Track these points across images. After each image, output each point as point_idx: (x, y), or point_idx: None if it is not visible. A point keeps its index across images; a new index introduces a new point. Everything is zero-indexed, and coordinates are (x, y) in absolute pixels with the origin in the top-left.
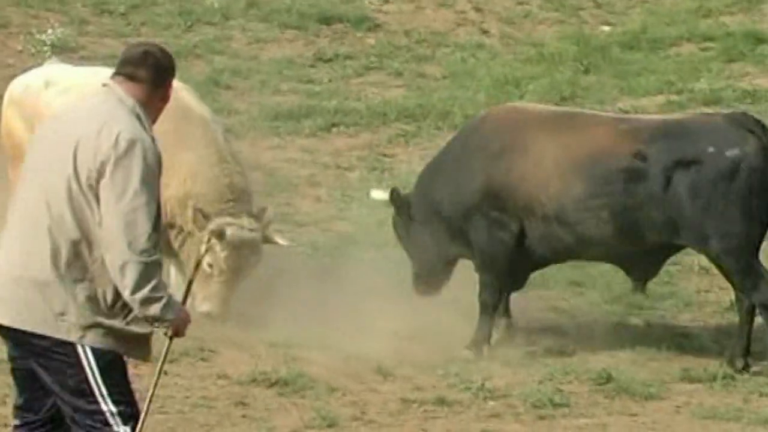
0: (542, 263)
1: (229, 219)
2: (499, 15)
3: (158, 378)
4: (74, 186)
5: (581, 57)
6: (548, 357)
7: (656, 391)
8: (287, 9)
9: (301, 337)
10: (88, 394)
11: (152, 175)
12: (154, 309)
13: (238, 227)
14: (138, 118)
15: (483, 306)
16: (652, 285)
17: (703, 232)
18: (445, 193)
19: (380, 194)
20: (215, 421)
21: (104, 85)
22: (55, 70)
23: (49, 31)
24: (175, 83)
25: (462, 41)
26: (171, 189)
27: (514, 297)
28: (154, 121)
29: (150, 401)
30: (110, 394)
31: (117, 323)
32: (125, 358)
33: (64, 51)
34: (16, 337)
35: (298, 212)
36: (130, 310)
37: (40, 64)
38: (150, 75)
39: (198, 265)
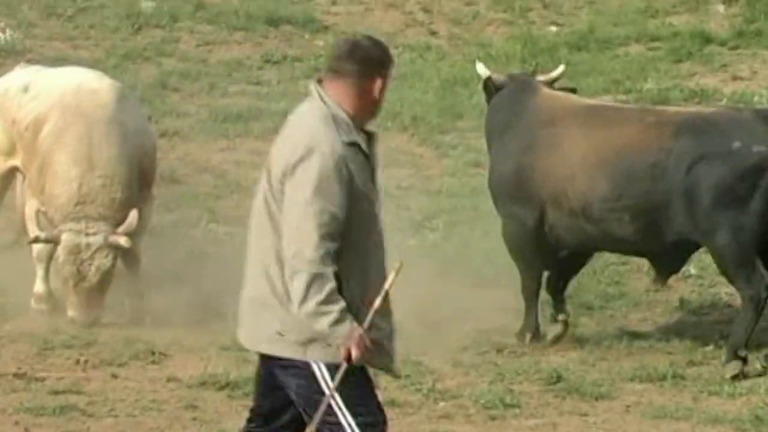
0: (573, 254)
1: (70, 224)
2: (447, 16)
3: (325, 406)
4: (269, 196)
5: (529, 58)
6: (499, 357)
7: (606, 390)
8: (235, 11)
9: None
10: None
11: (328, 182)
12: (321, 324)
13: (74, 232)
14: (330, 120)
15: (524, 295)
16: (601, 285)
17: (715, 222)
18: (491, 158)
19: (483, 69)
20: (165, 425)
21: (312, 85)
22: (32, 73)
23: None
24: (98, 83)
25: (411, 42)
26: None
27: (465, 298)
28: (368, 118)
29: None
30: (347, 405)
31: None
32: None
33: (11, 54)
34: (259, 357)
35: (248, 214)
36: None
37: None
38: (355, 68)
39: (388, 286)
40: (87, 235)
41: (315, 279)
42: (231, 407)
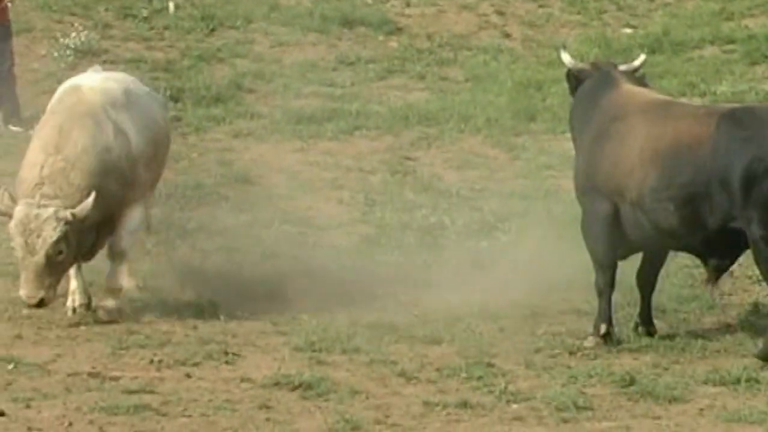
0: (639, 248)
1: (26, 199)
2: (521, 18)
3: None
4: None
5: (603, 59)
6: (571, 360)
7: (680, 393)
8: (309, 12)
9: (325, 340)
10: None
11: None
12: None
13: (26, 204)
14: None
15: (596, 288)
16: (675, 287)
17: (750, 214)
18: (575, 151)
19: (567, 58)
20: (238, 424)
21: None
22: (80, 76)
23: (73, 35)
24: (92, 83)
25: (484, 44)
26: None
27: (537, 300)
28: None
29: None
30: None
31: None
32: None
33: (87, 55)
34: None
35: (320, 215)
36: None
37: (64, 69)
38: None
39: None
40: (38, 207)
41: None
42: (304, 407)
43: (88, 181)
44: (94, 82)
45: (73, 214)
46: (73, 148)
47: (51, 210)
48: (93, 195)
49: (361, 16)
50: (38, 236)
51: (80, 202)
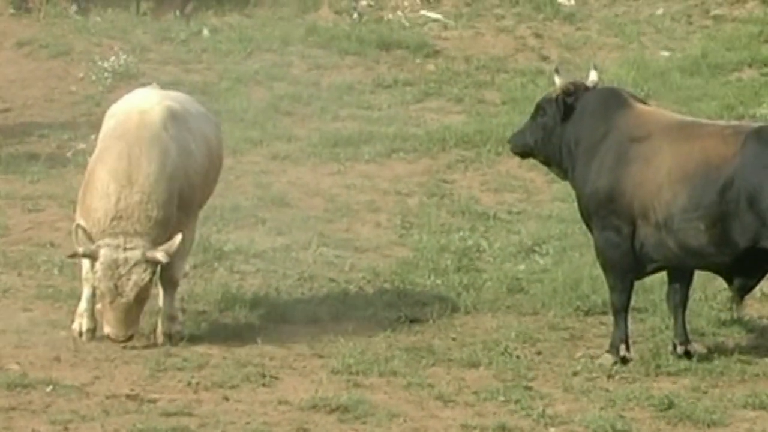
0: (658, 269)
1: (107, 239)
2: (558, 41)
3: None
4: None
5: (641, 82)
6: (609, 383)
7: (719, 417)
8: (347, 35)
9: (362, 363)
10: None
11: None
12: None
13: (111, 247)
14: None
15: (612, 308)
16: (714, 311)
17: None
18: (576, 173)
19: (561, 81)
20: None
21: None
22: (127, 96)
23: (111, 58)
24: (150, 104)
25: (521, 67)
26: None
27: (575, 323)
28: None
29: None
30: None
31: None
32: None
33: (125, 78)
34: None
35: (358, 238)
36: None
37: (102, 92)
38: None
39: None
40: (125, 250)
41: None
42: (341, 430)
43: (164, 213)
44: (154, 100)
45: (164, 255)
46: (146, 178)
47: (139, 253)
48: (180, 236)
49: (399, 39)
50: (128, 279)
51: (158, 235)
